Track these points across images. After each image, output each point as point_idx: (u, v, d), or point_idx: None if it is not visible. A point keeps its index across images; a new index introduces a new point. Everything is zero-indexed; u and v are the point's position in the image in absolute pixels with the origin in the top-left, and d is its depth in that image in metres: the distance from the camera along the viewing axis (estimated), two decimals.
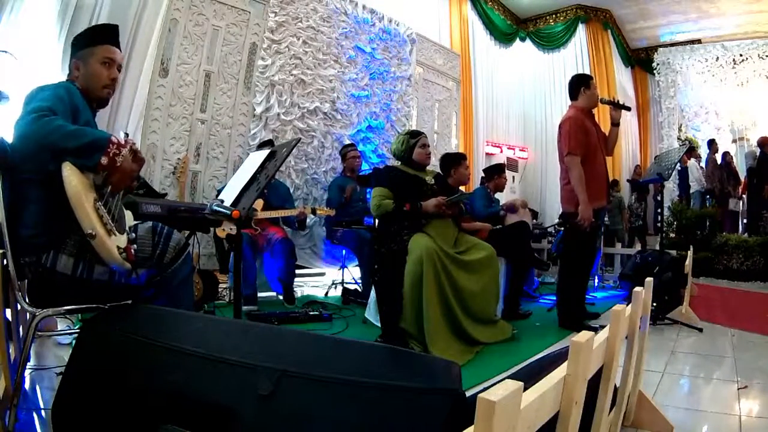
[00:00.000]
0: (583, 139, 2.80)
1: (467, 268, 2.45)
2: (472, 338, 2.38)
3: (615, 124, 2.98)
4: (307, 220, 3.55)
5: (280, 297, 3.31)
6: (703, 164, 7.29)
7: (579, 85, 2.95)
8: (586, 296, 3.30)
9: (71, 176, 1.16)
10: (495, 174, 4.23)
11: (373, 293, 2.80)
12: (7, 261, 1.22)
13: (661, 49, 8.19)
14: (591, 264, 3.18)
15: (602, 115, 6.18)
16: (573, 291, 2.95)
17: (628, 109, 3.06)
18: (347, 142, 4.35)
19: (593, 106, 2.97)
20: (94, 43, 1.46)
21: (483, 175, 4.46)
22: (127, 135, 1.44)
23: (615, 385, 1.07)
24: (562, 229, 4.48)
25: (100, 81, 1.45)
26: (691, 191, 7.08)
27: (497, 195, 4.31)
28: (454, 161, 3.34)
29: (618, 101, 3.00)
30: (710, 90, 7.93)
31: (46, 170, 1.21)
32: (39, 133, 1.16)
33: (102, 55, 1.45)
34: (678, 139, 7.94)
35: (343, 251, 3.94)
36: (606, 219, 5.36)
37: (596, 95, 2.96)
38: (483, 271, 2.50)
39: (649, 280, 1.46)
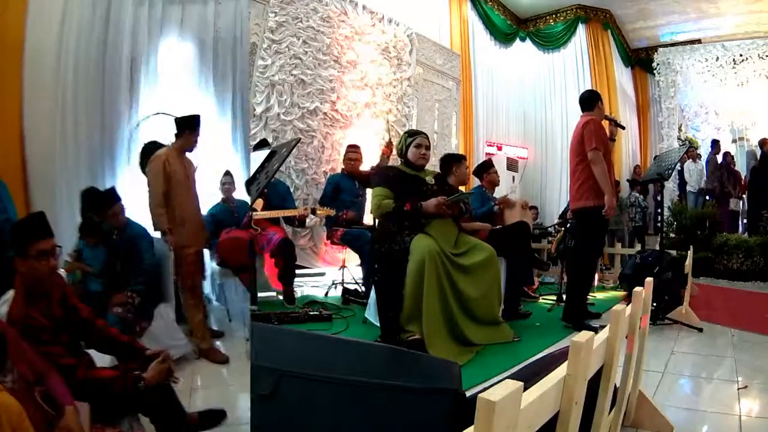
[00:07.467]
0: (604, 139, 3.02)
1: (468, 272, 2.45)
2: (470, 341, 2.38)
3: (611, 140, 3.24)
4: (307, 220, 3.55)
5: (280, 297, 3.31)
6: (702, 164, 7.28)
7: (595, 98, 3.18)
8: (587, 296, 3.32)
9: None
10: (484, 171, 4.19)
11: (373, 293, 2.80)
12: None
13: (661, 49, 8.18)
14: (596, 262, 3.26)
15: None
16: (583, 286, 3.06)
17: (623, 127, 3.54)
18: (351, 142, 4.32)
19: (602, 120, 3.24)
20: None
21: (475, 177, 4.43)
22: None
23: (615, 385, 1.07)
24: (563, 229, 4.51)
25: None
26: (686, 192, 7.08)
27: (496, 191, 4.28)
28: (454, 161, 3.34)
29: (617, 121, 3.37)
30: (710, 90, 7.91)
31: None
32: None
33: None
34: (678, 139, 7.93)
35: (344, 251, 3.93)
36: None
37: (603, 111, 3.24)
38: (483, 275, 2.50)
39: (649, 280, 1.46)
